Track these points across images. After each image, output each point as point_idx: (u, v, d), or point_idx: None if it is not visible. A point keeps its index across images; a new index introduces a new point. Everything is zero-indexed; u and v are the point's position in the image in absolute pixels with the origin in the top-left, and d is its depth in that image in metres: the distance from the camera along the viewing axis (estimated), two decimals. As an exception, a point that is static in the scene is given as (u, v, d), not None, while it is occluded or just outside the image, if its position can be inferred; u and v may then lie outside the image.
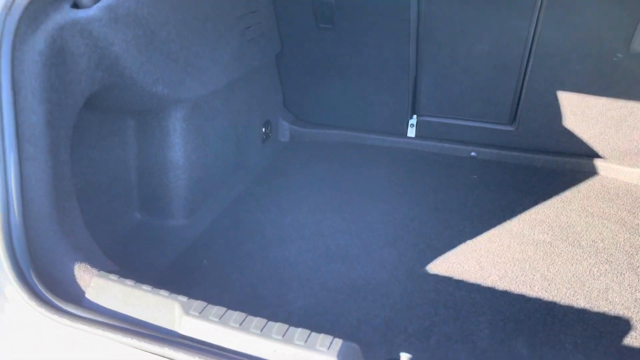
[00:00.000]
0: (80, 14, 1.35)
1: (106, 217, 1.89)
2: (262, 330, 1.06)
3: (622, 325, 1.62)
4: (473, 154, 2.69)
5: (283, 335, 1.05)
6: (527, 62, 2.39)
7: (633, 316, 1.65)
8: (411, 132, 2.79)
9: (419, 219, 2.18)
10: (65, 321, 1.10)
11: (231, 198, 2.32)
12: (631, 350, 1.53)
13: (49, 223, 1.23)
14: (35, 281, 1.14)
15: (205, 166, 2.14)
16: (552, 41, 2.27)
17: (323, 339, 1.04)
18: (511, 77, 2.45)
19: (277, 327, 1.07)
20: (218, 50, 2.06)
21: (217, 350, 1.04)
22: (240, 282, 1.82)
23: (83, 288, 1.20)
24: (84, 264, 1.24)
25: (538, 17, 2.25)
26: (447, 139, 2.73)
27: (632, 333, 1.59)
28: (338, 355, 1.00)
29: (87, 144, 1.75)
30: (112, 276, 1.22)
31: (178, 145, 1.98)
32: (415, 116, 2.75)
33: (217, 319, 1.09)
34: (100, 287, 1.20)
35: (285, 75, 2.82)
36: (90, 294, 1.19)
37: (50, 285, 1.16)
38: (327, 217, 2.20)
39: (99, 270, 1.24)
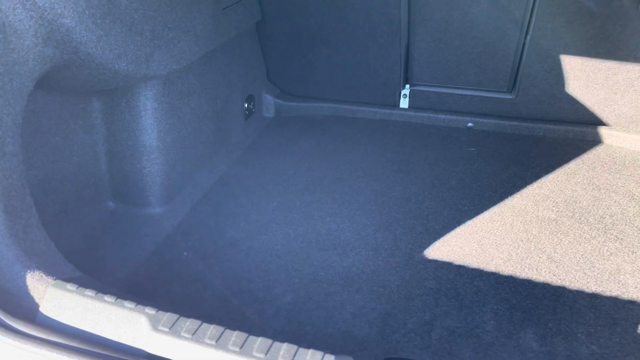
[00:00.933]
0: None
1: (75, 208, 1.72)
2: (241, 347, 0.92)
3: (636, 310, 1.50)
4: (470, 124, 2.53)
5: (266, 353, 0.91)
6: (529, 23, 2.21)
7: (648, 299, 1.53)
8: (404, 103, 2.62)
9: (415, 198, 2.03)
10: (14, 342, 0.95)
11: (212, 181, 2.16)
12: (648, 338, 1.41)
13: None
14: None
15: (182, 148, 1.96)
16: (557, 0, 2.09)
17: (312, 355, 0.90)
18: (511, 40, 2.27)
19: (259, 343, 0.93)
20: (189, 20, 1.85)
21: None
22: (223, 275, 1.68)
23: (37, 301, 1.05)
24: (38, 272, 1.09)
25: None
26: (442, 109, 2.56)
27: (649, 319, 1.47)
28: (330, 377, 0.86)
29: (45, 129, 1.57)
30: (70, 285, 1.06)
31: (150, 127, 1.80)
32: (408, 86, 2.57)
33: (189, 335, 0.94)
34: (56, 298, 1.04)
35: (267, 46, 2.61)
36: (45, 308, 1.03)
37: (6, 301, 1.01)
38: (317, 198, 2.05)
39: (55, 279, 1.08)
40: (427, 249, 1.76)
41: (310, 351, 0.91)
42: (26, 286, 1.06)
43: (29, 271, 1.08)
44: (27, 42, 1.22)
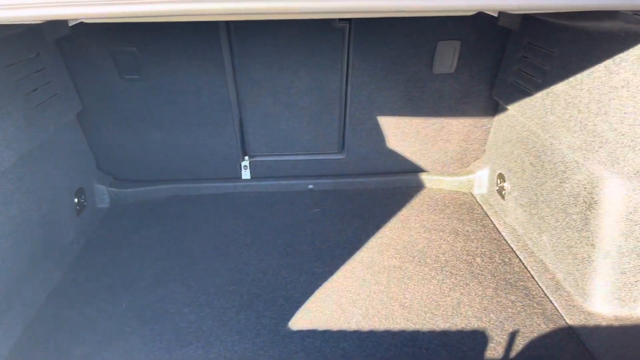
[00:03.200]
0: None
1: None
2: None
3: (479, 339, 1.68)
4: (311, 186, 2.66)
5: None
6: (346, 92, 2.44)
7: (486, 326, 1.73)
8: (246, 175, 2.67)
9: (272, 270, 2.05)
10: None
11: (45, 294, 1.92)
12: (492, 362, 1.59)
13: None
14: None
15: (2, 262, 1.72)
16: (365, 70, 2.35)
17: None
18: (334, 107, 2.48)
19: None
20: (4, 115, 1.68)
21: None
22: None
23: None
24: None
25: (349, 49, 2.31)
26: (283, 176, 2.66)
27: (491, 345, 1.66)
28: None
29: None
30: None
31: None
32: (247, 157, 2.63)
33: None
34: None
35: (93, 135, 2.47)
36: None
37: None
38: (170, 290, 1.95)
39: None
40: (290, 321, 1.78)
41: None
42: None
43: None
44: None
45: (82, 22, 1.86)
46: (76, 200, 2.29)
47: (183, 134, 2.49)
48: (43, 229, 1.98)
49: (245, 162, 2.63)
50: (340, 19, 2.22)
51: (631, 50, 1.43)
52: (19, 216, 1.82)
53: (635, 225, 1.58)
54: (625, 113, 1.47)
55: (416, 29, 2.23)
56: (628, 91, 1.45)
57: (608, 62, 1.53)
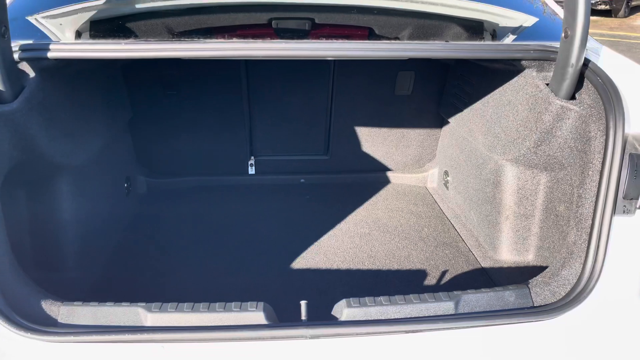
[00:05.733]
0: (5, 107, 1.68)
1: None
2: (208, 309, 1.56)
3: (421, 275, 2.46)
4: (302, 180, 3.44)
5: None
6: (331, 108, 3.24)
7: (427, 268, 2.51)
8: (252, 170, 3.43)
9: (274, 235, 2.80)
10: (51, 338, 1.44)
11: (111, 247, 2.64)
12: (429, 288, 2.36)
13: (9, 273, 1.54)
14: (20, 319, 1.45)
15: (84, 220, 2.43)
16: (345, 92, 3.16)
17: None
18: (321, 120, 3.28)
19: (218, 304, 1.58)
20: (92, 122, 2.43)
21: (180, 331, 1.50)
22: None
23: (54, 317, 1.53)
24: (48, 300, 1.57)
25: (333, 77, 3.12)
26: (281, 171, 3.44)
27: (429, 278, 2.44)
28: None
29: None
30: (77, 303, 1.57)
31: (68, 204, 2.27)
32: (253, 157, 3.40)
33: (174, 309, 1.55)
34: (70, 312, 1.54)
35: (136, 136, 3.21)
36: (63, 319, 1.53)
37: (30, 319, 1.48)
38: (200, 248, 2.69)
39: (63, 302, 1.57)
40: (290, 265, 2.53)
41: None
42: (43, 309, 1.54)
43: (42, 300, 1.56)
44: (4, 147, 1.72)
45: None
46: (125, 185, 3.02)
47: (205, 138, 3.25)
48: (108, 202, 2.71)
49: (252, 161, 3.39)
50: None
51: (512, 81, 2.25)
52: (98, 188, 2.55)
53: (522, 197, 2.38)
54: (509, 121, 2.29)
55: (383, 63, 3.06)
56: (510, 107, 2.27)
57: (500, 88, 2.35)
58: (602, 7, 16.00)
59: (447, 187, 3.16)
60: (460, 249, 2.69)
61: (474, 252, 2.64)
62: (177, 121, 3.17)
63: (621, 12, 16.13)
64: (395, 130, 3.32)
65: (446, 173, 3.18)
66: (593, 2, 15.85)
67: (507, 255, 2.48)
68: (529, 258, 2.42)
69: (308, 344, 1.51)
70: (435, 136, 3.35)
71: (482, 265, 2.53)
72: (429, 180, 3.41)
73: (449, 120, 3.06)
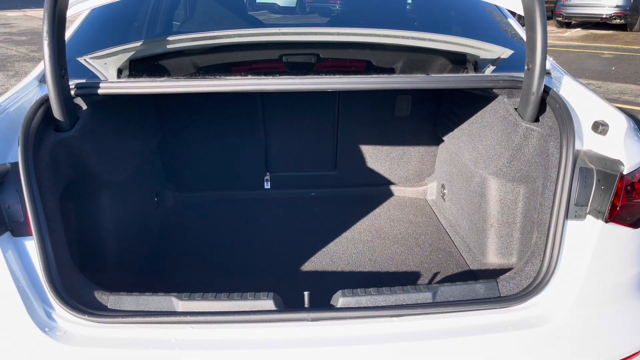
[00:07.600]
0: (65, 135, 2.08)
1: None
2: (228, 298, 1.91)
3: (416, 276, 2.78)
4: (313, 194, 3.79)
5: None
6: (338, 128, 3.60)
7: (421, 270, 2.83)
8: (267, 185, 3.80)
9: (287, 241, 3.16)
10: (103, 319, 1.81)
11: (145, 252, 3.02)
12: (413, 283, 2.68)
13: (70, 270, 1.92)
14: (80, 305, 1.82)
15: (125, 230, 2.83)
16: (351, 114, 3.52)
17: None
18: (329, 138, 3.64)
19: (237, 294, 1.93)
20: (129, 144, 2.83)
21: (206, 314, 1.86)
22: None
23: (104, 304, 1.90)
24: (99, 291, 1.94)
25: (339, 101, 3.48)
26: (293, 186, 3.80)
27: (422, 279, 2.76)
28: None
29: None
30: (122, 292, 1.94)
31: (109, 215, 2.66)
32: (268, 173, 3.77)
33: (200, 298, 1.91)
34: (117, 300, 1.91)
35: (164, 155, 3.61)
36: (112, 305, 1.90)
37: (86, 305, 1.85)
38: (220, 252, 3.05)
39: (111, 292, 1.95)
40: (298, 266, 2.87)
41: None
42: (96, 297, 1.91)
43: (95, 290, 1.93)
44: (63, 167, 2.11)
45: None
46: (155, 199, 3.42)
47: (226, 157, 3.63)
48: (141, 213, 3.11)
49: (267, 176, 3.76)
50: None
51: (489, 105, 2.59)
52: (132, 202, 2.94)
53: (504, 206, 2.69)
54: (488, 140, 2.62)
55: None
56: (488, 127, 2.60)
57: (481, 111, 2.68)
58: (617, 21, 16.16)
59: (444, 199, 3.47)
60: (452, 254, 3.00)
61: (464, 257, 2.95)
62: (201, 142, 3.57)
63: (636, 26, 16.26)
64: (397, 147, 3.66)
65: (443, 186, 3.49)
66: (608, 16, 16.04)
67: (493, 258, 2.79)
68: (513, 261, 2.72)
69: (309, 326, 1.85)
70: (434, 153, 3.67)
71: (471, 267, 2.84)
72: (429, 193, 3.73)
73: (444, 138, 3.39)
